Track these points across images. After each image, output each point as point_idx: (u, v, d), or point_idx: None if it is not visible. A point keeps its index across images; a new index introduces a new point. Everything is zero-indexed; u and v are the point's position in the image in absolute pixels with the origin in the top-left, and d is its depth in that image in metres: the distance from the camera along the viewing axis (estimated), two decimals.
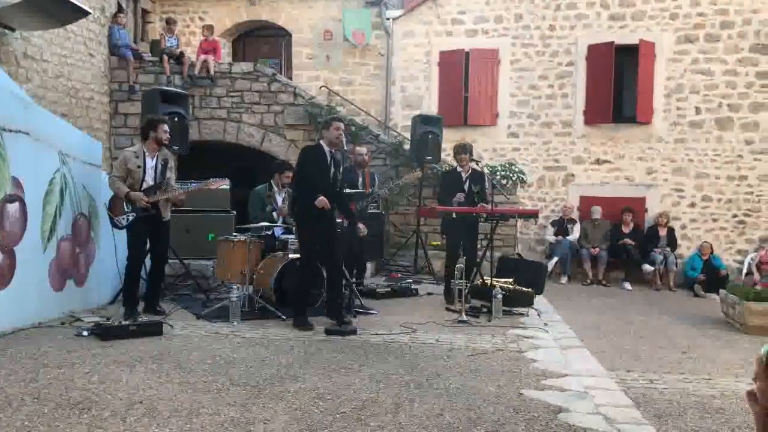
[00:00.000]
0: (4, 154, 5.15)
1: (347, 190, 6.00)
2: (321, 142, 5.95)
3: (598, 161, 11.92)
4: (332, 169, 5.87)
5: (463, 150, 7.40)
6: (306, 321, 5.77)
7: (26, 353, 4.55)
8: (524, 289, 7.25)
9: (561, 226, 11.40)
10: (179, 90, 8.80)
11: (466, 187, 7.36)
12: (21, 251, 5.36)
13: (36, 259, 5.60)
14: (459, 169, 7.46)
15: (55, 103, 9.01)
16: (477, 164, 7.20)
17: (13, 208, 5.29)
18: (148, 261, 6.40)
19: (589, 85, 11.80)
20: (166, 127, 6.18)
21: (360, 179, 7.75)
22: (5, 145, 5.15)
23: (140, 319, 5.53)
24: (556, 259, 10.96)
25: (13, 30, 7.96)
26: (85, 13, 8.39)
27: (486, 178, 7.78)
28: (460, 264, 6.62)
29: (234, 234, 6.96)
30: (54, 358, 4.46)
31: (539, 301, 7.57)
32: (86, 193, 6.47)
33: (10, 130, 5.24)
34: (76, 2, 7.87)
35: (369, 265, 9.50)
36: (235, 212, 8.31)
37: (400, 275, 9.59)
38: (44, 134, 5.73)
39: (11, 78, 6.56)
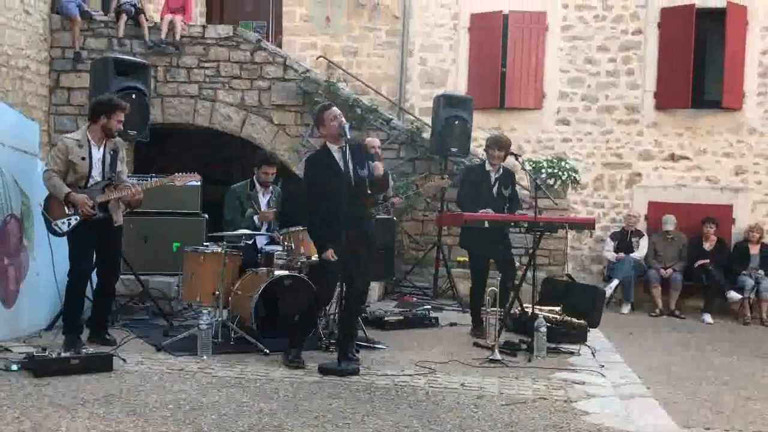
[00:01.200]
0: None
1: None
2: (326, 144, 5.94)
3: (672, 157, 11.90)
4: (350, 172, 5.79)
5: (497, 144, 7.41)
6: (300, 357, 5.81)
7: None
8: (575, 320, 7.24)
9: (623, 240, 11.36)
10: (138, 59, 8.86)
11: (495, 191, 7.38)
12: None
13: None
14: (488, 167, 7.48)
15: None
16: (517, 159, 7.22)
17: None
18: (94, 277, 6.44)
19: (661, 60, 11.79)
20: (122, 116, 6.22)
21: None
22: None
23: (84, 350, 5.55)
24: (616, 282, 10.92)
25: None
26: None
27: (526, 175, 7.77)
28: (493, 288, 6.62)
29: (205, 244, 6.99)
30: None
31: (594, 335, 7.53)
32: (18, 188, 6.52)
33: None
34: None
35: (376, 285, 9.53)
36: (207, 216, 8.35)
37: (415, 299, 9.59)
38: None
39: None
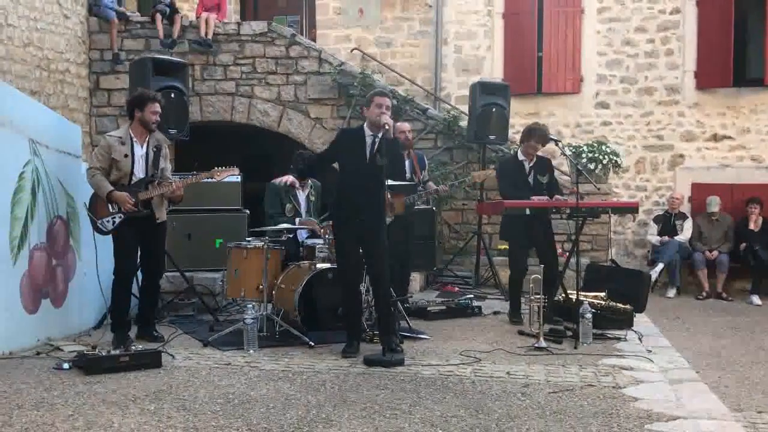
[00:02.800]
0: None
1: (390, 182, 5.99)
2: (364, 125, 6.00)
3: (714, 137, 11.75)
4: (368, 155, 5.88)
5: (537, 133, 7.33)
6: (352, 347, 5.90)
7: None
8: (621, 305, 7.18)
9: (667, 223, 11.24)
10: (176, 59, 8.94)
11: (531, 180, 7.34)
12: None
13: (4, 273, 5.77)
14: (521, 157, 7.45)
15: (23, 78, 9.26)
16: (557, 144, 7.16)
17: None
18: (140, 274, 6.54)
19: (701, 39, 11.64)
20: (157, 107, 6.29)
21: (407, 163, 7.70)
22: None
23: (133, 347, 5.63)
24: (661, 266, 10.82)
25: None
26: None
27: (567, 160, 7.69)
28: (537, 275, 6.58)
29: (248, 239, 7.05)
30: (30, 397, 4.59)
31: (640, 320, 7.47)
32: (63, 190, 6.64)
33: None
34: None
35: (417, 276, 9.54)
36: (248, 211, 8.42)
37: (457, 289, 9.59)
38: (11, 118, 5.90)
39: None
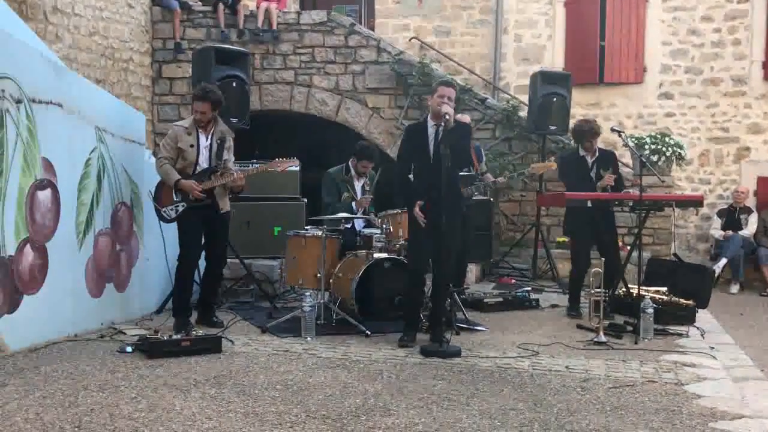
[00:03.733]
0: (34, 130, 5.47)
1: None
2: (428, 116, 6.01)
3: None
4: (431, 148, 5.86)
5: (585, 135, 7.24)
6: (407, 337, 5.92)
7: (62, 372, 4.83)
8: (683, 301, 7.08)
9: (732, 217, 11.02)
10: (238, 48, 9.02)
11: (593, 174, 7.24)
12: (54, 248, 5.69)
13: (71, 258, 5.93)
14: (581, 152, 7.35)
15: (89, 66, 9.47)
16: (620, 135, 7.05)
17: (44, 195, 5.61)
18: (202, 262, 6.64)
19: None
20: (200, 105, 6.24)
21: None
22: (35, 120, 5.46)
23: (194, 332, 5.74)
24: (724, 261, 10.60)
25: None
26: None
27: (629, 152, 7.54)
28: (597, 268, 6.49)
29: (306, 228, 7.10)
30: (95, 378, 4.71)
31: (702, 316, 7.35)
32: (127, 177, 6.79)
33: (41, 101, 5.55)
34: None
35: (474, 267, 9.50)
36: (306, 200, 8.49)
37: (514, 281, 9.53)
38: (79, 105, 6.04)
39: (39, 38, 6.92)
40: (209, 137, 6.37)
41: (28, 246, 5.42)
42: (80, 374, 4.80)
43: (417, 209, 5.83)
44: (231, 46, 9.09)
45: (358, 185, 7.51)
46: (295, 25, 11.18)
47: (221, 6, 11.08)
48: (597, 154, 7.36)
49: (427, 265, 6.10)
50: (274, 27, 11.05)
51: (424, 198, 5.84)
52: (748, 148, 11.61)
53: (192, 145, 6.28)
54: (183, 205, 6.27)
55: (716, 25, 11.66)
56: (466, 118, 7.96)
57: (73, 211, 5.95)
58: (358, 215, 7.36)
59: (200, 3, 11.72)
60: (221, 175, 6.32)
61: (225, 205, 6.48)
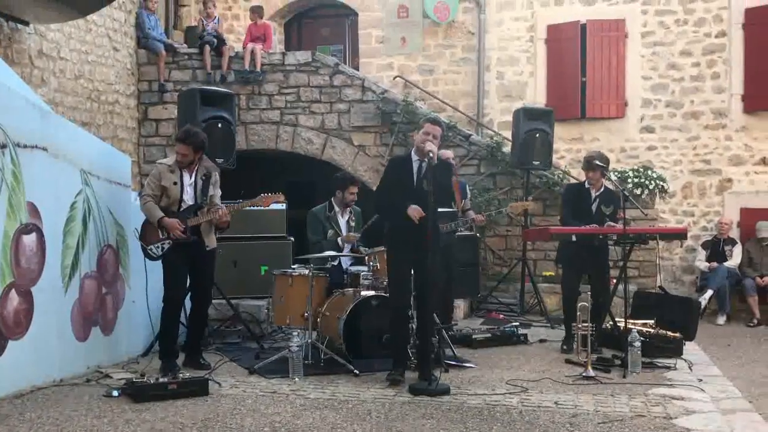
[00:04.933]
0: (19, 174, 5.45)
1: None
2: (412, 151, 6.04)
3: (763, 161, 11.56)
4: (415, 180, 5.90)
5: (588, 165, 7.27)
6: (394, 373, 5.87)
7: (48, 418, 4.76)
8: (670, 333, 7.07)
9: (716, 248, 11.05)
10: (223, 89, 9.06)
11: (594, 207, 7.26)
12: (39, 293, 5.64)
13: (56, 302, 5.88)
14: (587, 185, 7.38)
15: (75, 109, 9.49)
16: (602, 170, 7.10)
17: (29, 240, 5.58)
18: (187, 302, 6.60)
19: (748, 62, 11.50)
20: (181, 148, 6.27)
21: None
22: (20, 164, 5.45)
23: (180, 375, 5.69)
24: (710, 292, 10.61)
25: (26, 24, 8.45)
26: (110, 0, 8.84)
27: (612, 185, 7.59)
28: (584, 303, 6.51)
29: (292, 266, 7.09)
30: (81, 424, 4.65)
31: (690, 348, 7.36)
32: (113, 219, 6.76)
33: (26, 146, 5.54)
34: None
35: (461, 303, 9.50)
36: (293, 239, 8.48)
37: (502, 316, 9.51)
38: (64, 149, 6.03)
39: (25, 81, 6.94)
40: (193, 175, 6.37)
41: (13, 290, 5.37)
42: (66, 420, 4.74)
43: (412, 209, 5.72)
44: (216, 88, 9.14)
45: (342, 221, 7.50)
46: (280, 66, 11.25)
47: (207, 48, 11.14)
48: (602, 189, 7.35)
49: (410, 301, 6.10)
50: (258, 68, 11.11)
51: (404, 231, 5.82)
52: (730, 180, 11.69)
53: (175, 183, 6.28)
54: (169, 242, 6.24)
55: (695, 60, 11.79)
56: (449, 153, 8.03)
57: (58, 254, 5.92)
58: (344, 253, 7.34)
59: (185, 45, 11.80)
60: (207, 212, 6.32)
61: (211, 241, 6.46)
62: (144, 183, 7.31)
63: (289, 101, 11.20)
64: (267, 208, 7.13)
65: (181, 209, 6.30)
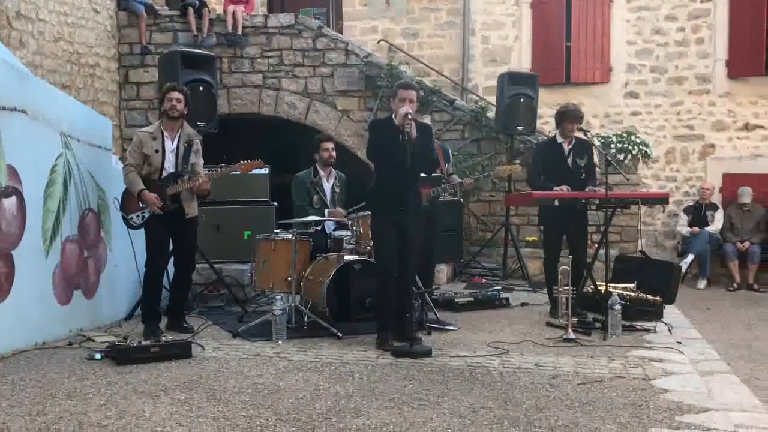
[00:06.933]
0: None
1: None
2: (392, 115, 5.99)
3: (746, 127, 11.62)
4: (400, 145, 5.88)
5: (569, 115, 7.25)
6: (382, 338, 5.89)
7: (30, 380, 4.78)
8: (650, 297, 7.14)
9: (698, 213, 11.16)
10: (205, 52, 8.97)
11: (569, 162, 7.26)
12: (20, 256, 5.62)
13: (37, 265, 5.87)
14: (560, 139, 7.36)
15: (54, 72, 9.37)
16: (585, 134, 7.11)
17: (9, 203, 5.55)
18: (171, 267, 6.61)
19: (733, 27, 11.52)
20: (174, 95, 6.30)
21: None
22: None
23: (163, 338, 5.71)
24: (691, 257, 10.73)
25: None
26: None
27: (596, 150, 7.60)
28: (565, 266, 6.55)
29: (276, 231, 7.10)
30: (63, 386, 4.67)
31: (670, 312, 7.43)
32: (94, 183, 6.73)
33: (5, 108, 5.48)
34: None
35: (444, 268, 9.54)
36: (275, 203, 8.47)
37: (484, 280, 9.58)
38: (44, 112, 5.98)
39: (3, 44, 6.84)
40: (175, 141, 6.34)
41: None
42: (48, 382, 4.75)
43: (401, 116, 5.71)
44: (198, 50, 9.04)
45: (327, 186, 7.47)
46: (262, 29, 11.13)
47: (191, 10, 10.99)
48: (573, 142, 7.33)
49: (397, 263, 6.13)
50: (239, 31, 10.99)
51: (389, 194, 5.86)
52: (713, 146, 11.76)
53: (157, 150, 6.25)
54: (149, 212, 6.24)
55: (680, 25, 11.79)
56: (426, 118, 8.00)
57: (39, 218, 5.89)
58: (328, 218, 7.34)
59: (167, 7, 11.65)
60: (188, 179, 6.30)
61: (192, 210, 6.45)
62: (125, 147, 7.28)
63: (271, 64, 11.11)
64: (250, 173, 7.09)
65: (162, 177, 6.28)
